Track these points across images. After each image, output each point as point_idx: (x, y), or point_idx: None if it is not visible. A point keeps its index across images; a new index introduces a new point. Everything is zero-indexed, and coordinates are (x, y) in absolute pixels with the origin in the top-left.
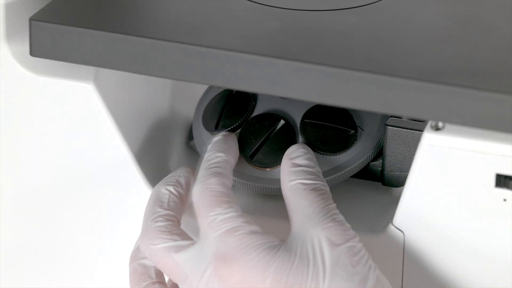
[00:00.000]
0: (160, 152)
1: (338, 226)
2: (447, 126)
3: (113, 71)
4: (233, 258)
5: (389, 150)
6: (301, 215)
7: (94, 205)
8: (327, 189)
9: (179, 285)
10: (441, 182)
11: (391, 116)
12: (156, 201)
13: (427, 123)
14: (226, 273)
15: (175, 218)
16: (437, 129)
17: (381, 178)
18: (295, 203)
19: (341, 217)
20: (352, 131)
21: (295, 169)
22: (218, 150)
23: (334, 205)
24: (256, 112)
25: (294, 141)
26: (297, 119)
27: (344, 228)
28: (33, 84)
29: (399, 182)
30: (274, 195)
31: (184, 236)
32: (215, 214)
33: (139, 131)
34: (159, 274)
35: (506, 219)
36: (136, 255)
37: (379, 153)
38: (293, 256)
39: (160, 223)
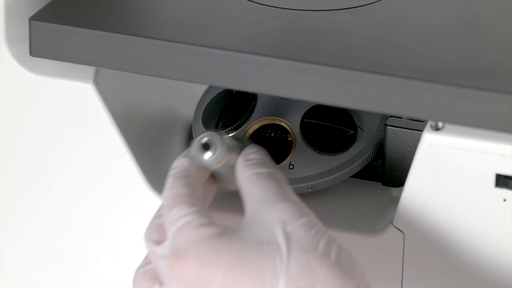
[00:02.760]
0: (160, 152)
1: (291, 205)
2: (447, 126)
3: (113, 71)
4: (184, 251)
5: (389, 150)
6: (254, 201)
7: (94, 205)
8: (282, 176)
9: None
10: (441, 182)
11: (391, 116)
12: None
13: (427, 123)
14: (179, 267)
15: None
16: (437, 129)
17: (381, 178)
18: (249, 192)
19: (295, 198)
20: (352, 131)
21: (248, 163)
22: (182, 156)
23: (289, 188)
24: (256, 112)
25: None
26: (297, 119)
27: (297, 206)
28: (33, 84)
29: (399, 182)
30: None
31: None
32: (173, 214)
33: (139, 131)
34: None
35: (506, 219)
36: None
37: (379, 153)
38: (245, 241)
39: (157, 220)
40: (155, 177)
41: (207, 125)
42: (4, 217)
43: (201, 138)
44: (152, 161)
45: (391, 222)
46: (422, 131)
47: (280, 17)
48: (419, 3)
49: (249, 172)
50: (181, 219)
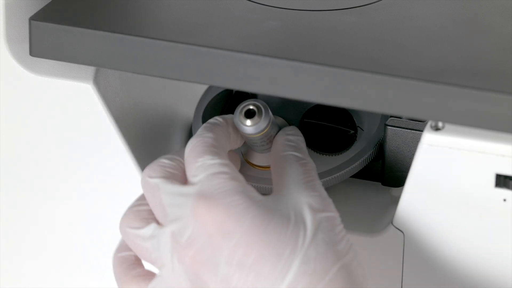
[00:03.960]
0: (160, 152)
1: (323, 198)
2: (447, 126)
3: (113, 71)
4: (214, 198)
5: (389, 150)
6: (289, 179)
7: (94, 205)
8: (315, 169)
9: (161, 221)
10: (441, 182)
11: (391, 116)
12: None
13: (427, 123)
14: (203, 211)
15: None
16: (437, 129)
17: (381, 178)
18: (284, 169)
19: (325, 193)
20: (352, 131)
21: (289, 143)
22: (219, 116)
23: (320, 182)
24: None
25: None
26: (297, 119)
27: (328, 201)
28: (33, 84)
29: (399, 182)
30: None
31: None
32: (203, 160)
33: (139, 131)
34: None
35: (506, 219)
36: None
37: (379, 153)
38: (274, 211)
39: (165, 160)
40: None
41: None
42: (4, 216)
43: (247, 105)
44: (152, 161)
45: (391, 222)
46: (422, 131)
47: (280, 17)
48: (419, 3)
49: (288, 152)
50: (216, 167)
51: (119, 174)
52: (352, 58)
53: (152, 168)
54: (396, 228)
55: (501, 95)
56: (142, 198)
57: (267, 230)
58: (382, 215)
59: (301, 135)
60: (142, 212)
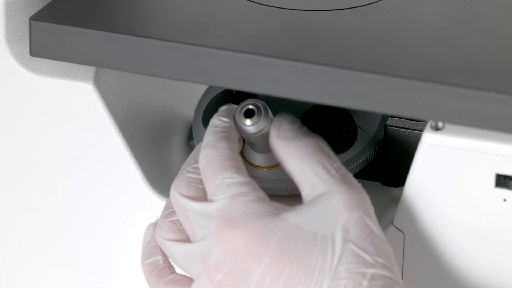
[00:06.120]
0: (160, 152)
1: (348, 190)
2: (447, 126)
3: (113, 71)
4: (238, 222)
5: (389, 150)
6: (308, 181)
7: (94, 205)
8: (325, 144)
9: (191, 239)
10: (441, 182)
11: (391, 116)
12: (192, 157)
13: (427, 123)
14: (228, 237)
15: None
16: (437, 129)
17: (381, 178)
18: (298, 170)
19: (350, 174)
20: (352, 131)
21: (285, 135)
22: (222, 115)
23: (336, 158)
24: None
25: None
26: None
27: (353, 188)
28: (33, 84)
29: (399, 182)
30: (274, 195)
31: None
32: (223, 178)
33: (139, 131)
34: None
35: (506, 219)
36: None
37: (379, 153)
38: (301, 227)
39: (191, 175)
40: (155, 177)
41: (207, 125)
42: (4, 216)
43: (247, 104)
44: (152, 161)
45: (391, 222)
46: (422, 131)
47: (280, 17)
48: (419, 3)
49: (290, 148)
50: (236, 187)
51: (119, 174)
52: (352, 58)
53: (180, 184)
54: (396, 228)
55: (501, 95)
56: (168, 206)
57: (294, 250)
58: (382, 215)
59: (293, 117)
60: (176, 223)
